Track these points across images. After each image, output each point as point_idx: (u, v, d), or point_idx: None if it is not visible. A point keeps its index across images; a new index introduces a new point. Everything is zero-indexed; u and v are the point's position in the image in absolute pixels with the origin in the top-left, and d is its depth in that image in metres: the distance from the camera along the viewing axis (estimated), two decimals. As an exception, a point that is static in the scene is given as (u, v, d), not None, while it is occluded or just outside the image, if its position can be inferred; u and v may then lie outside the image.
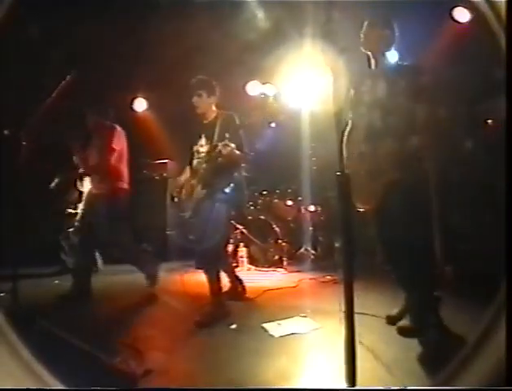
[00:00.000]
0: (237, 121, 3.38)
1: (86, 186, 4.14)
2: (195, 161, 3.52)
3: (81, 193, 4.27)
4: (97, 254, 5.35)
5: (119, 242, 4.04)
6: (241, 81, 6.17)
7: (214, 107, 3.52)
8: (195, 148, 3.53)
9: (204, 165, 3.40)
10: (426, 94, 2.51)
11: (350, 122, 2.86)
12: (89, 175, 4.09)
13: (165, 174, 6.56)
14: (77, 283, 3.94)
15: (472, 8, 4.30)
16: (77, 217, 4.11)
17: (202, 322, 3.05)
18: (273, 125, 6.37)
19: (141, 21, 4.62)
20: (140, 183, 5.89)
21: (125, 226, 4.12)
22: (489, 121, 4.00)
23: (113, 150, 3.95)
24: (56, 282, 4.72)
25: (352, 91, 2.84)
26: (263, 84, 6.05)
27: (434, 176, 4.05)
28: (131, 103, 6.82)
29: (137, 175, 5.95)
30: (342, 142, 1.49)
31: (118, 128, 4.05)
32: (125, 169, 4.11)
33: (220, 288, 3.40)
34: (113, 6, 4.36)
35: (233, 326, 2.97)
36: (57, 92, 3.43)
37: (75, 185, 4.38)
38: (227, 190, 3.37)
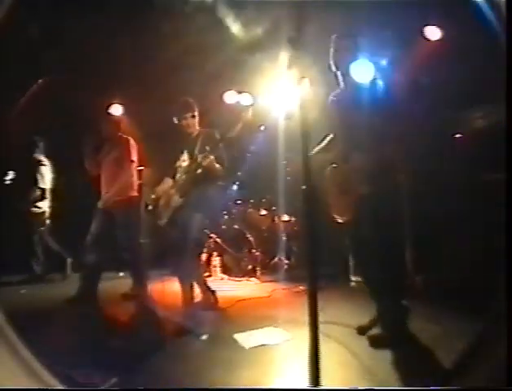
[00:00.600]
0: (217, 136, 3.53)
1: (47, 182, 4.14)
2: (177, 175, 3.67)
3: (43, 191, 4.25)
4: (68, 261, 5.25)
5: (134, 247, 4.18)
6: (219, 90, 6.16)
7: (197, 126, 3.73)
8: (177, 164, 3.69)
9: (183, 176, 3.53)
10: (396, 108, 2.58)
11: (327, 135, 2.93)
12: (107, 184, 4.19)
13: (140, 182, 6.47)
14: (83, 288, 4.04)
15: (442, 27, 4.48)
16: (94, 228, 4.13)
17: (173, 332, 3.01)
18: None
19: (121, 27, 4.57)
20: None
21: (139, 231, 4.32)
22: (458, 135, 4.11)
23: (133, 162, 4.20)
24: (23, 291, 4.58)
25: (328, 102, 2.90)
26: (239, 93, 6.07)
27: (406, 188, 4.18)
28: (107, 108, 6.69)
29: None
30: (306, 155, 1.51)
31: (131, 140, 4.26)
32: (135, 178, 4.31)
33: (192, 298, 3.38)
34: (93, 10, 4.31)
35: (204, 336, 2.94)
36: (28, 96, 3.39)
37: (35, 182, 4.36)
38: (202, 199, 3.43)
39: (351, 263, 4.42)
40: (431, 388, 1.54)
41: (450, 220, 3.98)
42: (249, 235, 5.71)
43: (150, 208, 3.85)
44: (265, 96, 5.77)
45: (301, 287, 4.60)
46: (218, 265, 5.64)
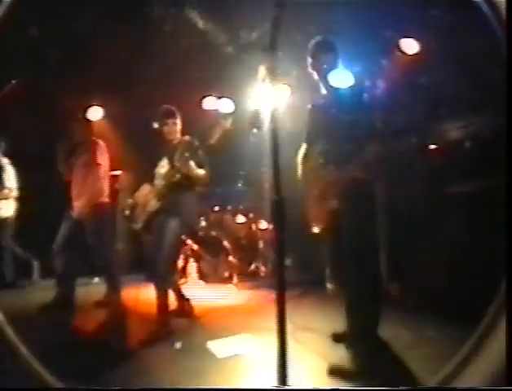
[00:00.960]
0: (197, 143, 3.49)
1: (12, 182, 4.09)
2: (156, 181, 3.62)
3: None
4: (35, 266, 5.14)
5: (107, 254, 4.13)
6: (198, 96, 6.15)
7: (178, 134, 3.69)
8: (157, 170, 3.65)
9: (162, 182, 3.50)
10: (373, 118, 2.59)
11: (304, 144, 2.93)
12: (76, 189, 4.11)
13: (117, 186, 6.39)
14: (59, 294, 3.99)
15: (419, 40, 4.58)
16: (62, 232, 4.07)
17: (146, 340, 2.97)
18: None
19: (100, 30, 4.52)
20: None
21: (113, 237, 4.29)
22: (431, 146, 4.18)
23: (100, 165, 4.07)
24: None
25: (307, 111, 2.90)
26: (219, 98, 6.06)
27: (382, 197, 4.23)
28: (85, 110, 6.56)
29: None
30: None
31: (100, 142, 4.16)
32: (106, 183, 4.19)
33: (167, 306, 3.35)
34: (72, 12, 4.26)
35: (177, 345, 2.90)
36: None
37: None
38: (178, 204, 3.43)
39: (327, 271, 4.45)
40: (432, 387, 1.54)
41: (425, 228, 4.05)
42: (226, 242, 5.69)
43: (127, 213, 3.80)
44: (247, 103, 5.80)
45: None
46: (195, 271, 5.60)
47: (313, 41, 2.77)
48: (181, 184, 3.44)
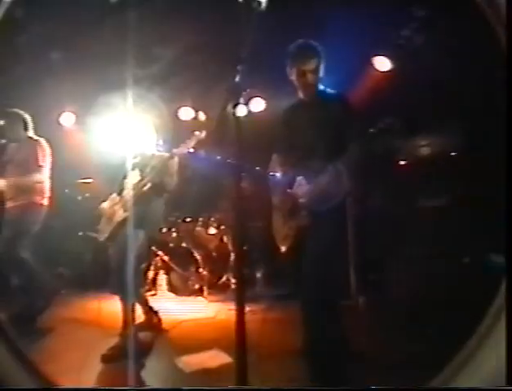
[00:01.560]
0: (168, 154, 3.44)
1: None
2: (125, 191, 3.53)
3: None
4: None
5: (18, 260, 3.75)
6: (173, 106, 6.11)
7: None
8: (127, 180, 3.54)
9: (131, 192, 3.42)
10: (345, 132, 2.55)
11: (275, 155, 2.86)
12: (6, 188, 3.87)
13: (87, 195, 6.23)
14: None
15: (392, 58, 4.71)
16: None
17: (109, 356, 2.88)
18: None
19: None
20: (61, 203, 5.56)
21: (29, 242, 3.87)
22: (401, 162, 4.28)
23: (40, 167, 3.86)
24: None
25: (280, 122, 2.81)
26: (195, 110, 6.06)
27: (352, 213, 4.28)
28: (58, 116, 6.40)
29: (57, 194, 5.62)
30: (238, 179, 1.49)
31: (43, 143, 3.95)
32: (45, 185, 3.98)
33: (134, 319, 3.26)
34: (41, 13, 4.16)
35: (143, 360, 2.83)
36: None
37: None
38: (146, 215, 3.37)
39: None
40: (432, 387, 1.53)
41: (394, 243, 4.11)
42: (196, 254, 5.62)
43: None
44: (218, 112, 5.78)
45: (247, 308, 4.55)
46: (165, 283, 5.50)
47: (294, 45, 2.57)
48: (150, 194, 3.38)
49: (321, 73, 2.57)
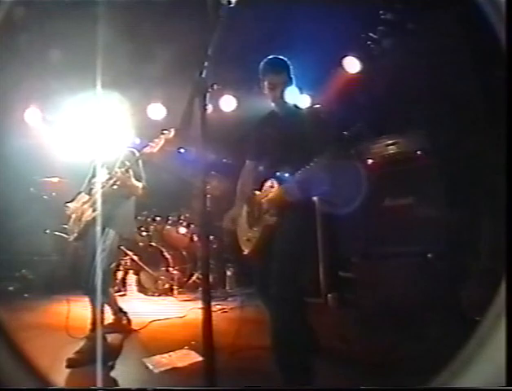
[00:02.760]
0: (136, 153, 3.41)
1: None
2: (93, 191, 3.47)
3: None
4: None
5: None
6: (143, 102, 6.01)
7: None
8: (95, 179, 3.49)
9: (99, 192, 3.35)
10: (317, 133, 2.60)
11: (247, 161, 2.89)
12: None
13: (54, 194, 6.04)
14: None
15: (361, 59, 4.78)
16: None
17: (76, 360, 2.82)
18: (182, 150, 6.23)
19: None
20: (25, 202, 5.40)
21: None
22: (369, 161, 4.33)
23: None
24: None
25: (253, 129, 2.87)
26: (165, 107, 5.98)
27: (321, 209, 4.32)
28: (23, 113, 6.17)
29: (22, 193, 5.45)
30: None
31: None
32: None
33: (102, 320, 3.21)
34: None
35: (110, 363, 2.78)
36: None
37: None
38: (115, 214, 3.34)
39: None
40: (432, 387, 1.54)
41: (363, 239, 4.18)
42: (166, 253, 5.58)
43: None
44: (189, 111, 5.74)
45: (217, 307, 4.56)
46: (134, 283, 5.43)
47: (264, 60, 2.71)
48: (119, 194, 3.34)
49: (291, 85, 2.69)
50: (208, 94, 1.50)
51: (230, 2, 1.65)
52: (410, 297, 3.39)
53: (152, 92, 5.75)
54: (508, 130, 1.54)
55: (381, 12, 4.23)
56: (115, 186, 3.28)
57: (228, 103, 5.74)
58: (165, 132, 3.27)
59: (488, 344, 1.25)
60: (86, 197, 3.53)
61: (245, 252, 2.66)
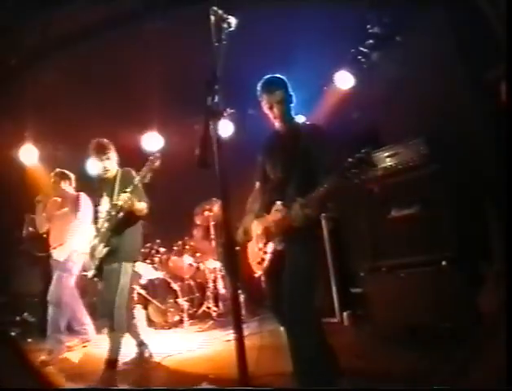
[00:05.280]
0: (134, 174, 3.38)
1: None
2: (99, 221, 3.51)
3: None
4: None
5: None
6: (136, 131, 6.02)
7: (115, 166, 3.60)
8: (98, 208, 3.56)
9: (106, 224, 3.40)
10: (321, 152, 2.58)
11: (257, 183, 2.89)
12: None
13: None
14: None
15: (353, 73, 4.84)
16: None
17: None
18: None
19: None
20: (24, 242, 5.33)
21: None
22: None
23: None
24: None
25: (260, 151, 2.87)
26: (160, 135, 5.97)
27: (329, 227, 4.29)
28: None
29: (20, 232, 5.36)
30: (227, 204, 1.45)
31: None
32: None
33: (116, 360, 3.17)
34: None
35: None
36: None
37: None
38: (125, 245, 3.36)
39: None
40: (431, 388, 1.50)
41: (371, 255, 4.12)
42: (173, 284, 5.49)
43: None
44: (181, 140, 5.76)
45: (231, 335, 4.44)
46: (143, 318, 5.32)
47: (261, 82, 2.74)
48: (125, 222, 3.33)
49: (290, 103, 2.72)
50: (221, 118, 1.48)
51: (230, 26, 1.67)
52: (426, 308, 3.33)
53: (149, 119, 5.75)
54: (508, 131, 1.53)
55: (368, 26, 4.31)
56: (121, 215, 3.28)
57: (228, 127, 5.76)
58: (151, 159, 3.27)
59: (488, 344, 1.24)
60: (93, 228, 3.56)
61: (258, 274, 2.65)
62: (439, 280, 3.31)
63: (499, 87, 2.73)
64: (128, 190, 3.21)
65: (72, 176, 4.53)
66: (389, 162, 4.04)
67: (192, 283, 5.85)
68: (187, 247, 6.05)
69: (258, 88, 2.73)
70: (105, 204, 3.48)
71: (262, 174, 2.83)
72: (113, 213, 3.31)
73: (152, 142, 5.95)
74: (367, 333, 3.84)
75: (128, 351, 3.53)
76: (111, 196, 3.42)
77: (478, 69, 3.46)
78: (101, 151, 3.51)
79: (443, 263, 3.32)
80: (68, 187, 4.45)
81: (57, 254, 4.21)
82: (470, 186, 3.64)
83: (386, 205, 3.96)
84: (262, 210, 2.67)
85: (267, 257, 2.58)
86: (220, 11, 1.67)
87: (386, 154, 4.07)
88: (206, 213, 5.88)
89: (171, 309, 5.38)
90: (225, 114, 1.51)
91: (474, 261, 3.28)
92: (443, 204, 3.53)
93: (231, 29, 1.65)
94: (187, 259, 5.95)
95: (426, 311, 3.32)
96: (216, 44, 1.55)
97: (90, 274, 3.49)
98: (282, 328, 2.64)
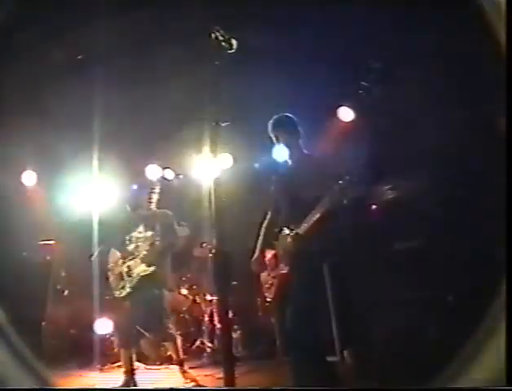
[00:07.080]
0: (170, 214, 3.90)
1: None
2: (132, 246, 3.81)
3: None
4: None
5: None
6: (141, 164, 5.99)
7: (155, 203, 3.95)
8: (133, 234, 3.84)
9: (147, 248, 3.68)
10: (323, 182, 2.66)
11: (269, 212, 3.12)
12: None
13: (48, 258, 5.79)
14: None
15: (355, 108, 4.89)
16: None
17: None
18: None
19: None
20: (18, 267, 5.19)
21: None
22: (373, 206, 4.29)
23: None
24: None
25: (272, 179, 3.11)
26: (164, 169, 5.94)
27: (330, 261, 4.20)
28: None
29: (14, 257, 5.23)
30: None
31: None
32: None
33: None
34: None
35: None
36: None
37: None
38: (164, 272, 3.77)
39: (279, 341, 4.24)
40: (432, 388, 1.45)
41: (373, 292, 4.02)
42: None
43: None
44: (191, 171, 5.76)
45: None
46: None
47: (271, 120, 3.00)
48: (161, 251, 3.66)
49: (299, 138, 2.98)
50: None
51: (231, 47, 1.68)
52: (431, 345, 3.21)
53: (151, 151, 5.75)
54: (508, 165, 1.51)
55: (369, 62, 4.39)
56: (158, 243, 3.60)
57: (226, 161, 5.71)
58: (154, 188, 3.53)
59: (488, 343, 1.25)
60: (118, 254, 3.81)
61: (269, 299, 2.95)
62: (447, 316, 3.23)
63: (499, 121, 2.78)
64: (171, 225, 3.71)
65: None
66: (390, 194, 4.03)
67: (187, 316, 5.67)
68: (183, 278, 5.92)
69: (270, 126, 3.01)
70: (142, 232, 3.78)
71: (274, 204, 3.06)
72: (149, 239, 3.65)
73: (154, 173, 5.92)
74: (369, 372, 3.69)
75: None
76: (149, 227, 3.74)
77: (478, 103, 3.50)
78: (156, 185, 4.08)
79: (450, 298, 3.25)
80: None
81: None
82: (473, 217, 3.60)
83: (388, 238, 3.92)
84: (274, 238, 2.88)
85: (275, 282, 2.84)
86: (222, 31, 1.70)
87: (387, 187, 4.06)
88: (204, 244, 5.78)
89: (164, 344, 5.18)
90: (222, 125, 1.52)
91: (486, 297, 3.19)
92: (446, 238, 3.49)
93: (233, 51, 1.68)
94: (183, 291, 5.81)
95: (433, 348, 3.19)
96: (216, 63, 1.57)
97: (122, 293, 3.70)
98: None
